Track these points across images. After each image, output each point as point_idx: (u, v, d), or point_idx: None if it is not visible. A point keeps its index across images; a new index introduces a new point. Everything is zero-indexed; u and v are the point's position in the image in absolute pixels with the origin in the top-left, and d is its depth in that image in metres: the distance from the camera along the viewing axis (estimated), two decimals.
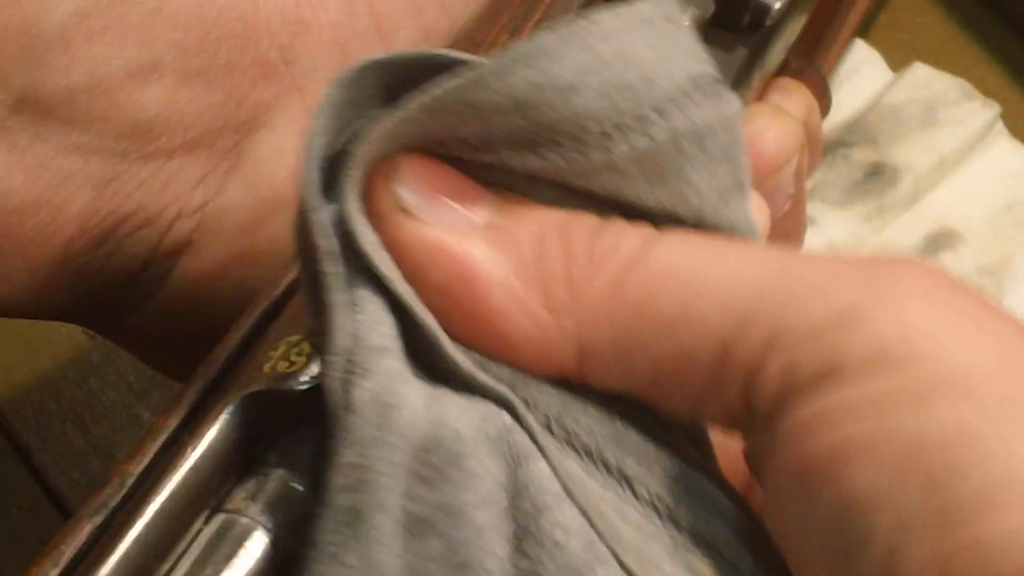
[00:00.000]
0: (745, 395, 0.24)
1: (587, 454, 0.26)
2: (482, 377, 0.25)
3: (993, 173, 0.58)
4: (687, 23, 0.27)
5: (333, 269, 0.25)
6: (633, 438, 0.26)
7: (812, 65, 0.46)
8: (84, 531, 0.27)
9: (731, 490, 0.27)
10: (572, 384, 0.26)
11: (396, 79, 0.26)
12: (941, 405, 0.22)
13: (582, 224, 0.26)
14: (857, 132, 0.58)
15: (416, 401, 0.24)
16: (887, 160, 0.57)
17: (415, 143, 0.26)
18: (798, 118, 0.37)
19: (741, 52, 0.35)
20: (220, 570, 0.26)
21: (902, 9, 0.61)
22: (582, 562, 0.24)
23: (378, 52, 0.26)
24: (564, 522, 0.24)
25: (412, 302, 0.25)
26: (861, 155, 0.57)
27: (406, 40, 0.37)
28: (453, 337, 0.26)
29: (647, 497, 0.26)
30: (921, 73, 0.59)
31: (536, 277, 0.25)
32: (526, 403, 0.25)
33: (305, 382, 0.27)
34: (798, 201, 0.37)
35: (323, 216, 0.25)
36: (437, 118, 0.25)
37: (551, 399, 0.26)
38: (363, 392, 0.24)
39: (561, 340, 0.25)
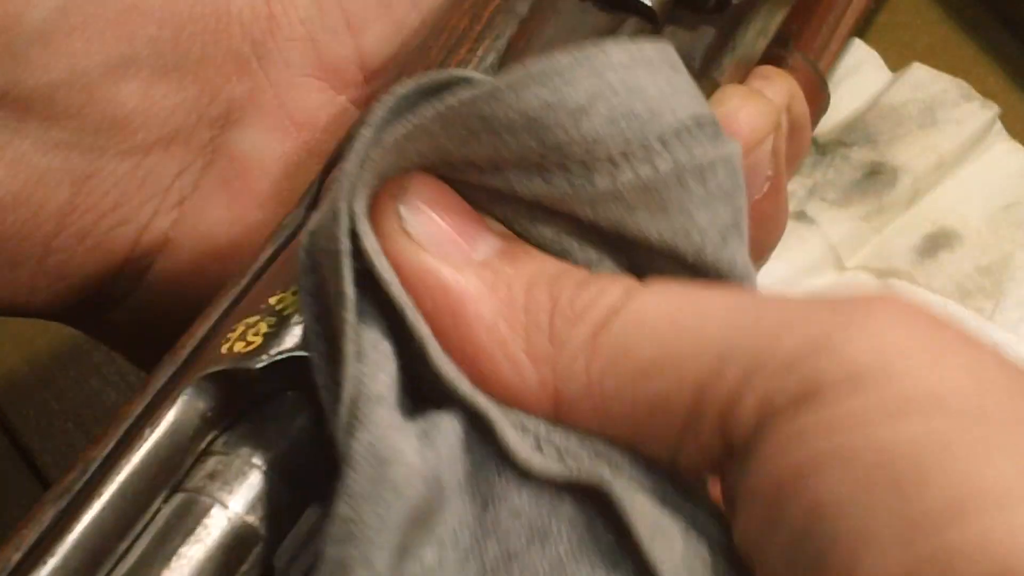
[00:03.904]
0: (722, 434, 0.24)
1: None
2: (464, 389, 0.25)
3: (992, 173, 0.58)
4: (686, 72, 0.28)
5: (351, 319, 0.25)
6: (617, 457, 0.26)
7: (809, 62, 0.46)
8: (47, 515, 0.28)
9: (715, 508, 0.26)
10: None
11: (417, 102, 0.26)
12: (913, 419, 0.22)
13: (570, 276, 0.27)
14: (856, 132, 0.58)
15: (411, 455, 0.24)
16: (886, 160, 0.57)
17: (425, 162, 0.26)
18: (775, 101, 0.37)
19: (707, 32, 0.35)
20: (178, 546, 0.26)
21: (901, 9, 0.61)
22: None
23: (398, 85, 0.26)
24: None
25: (407, 307, 0.25)
26: (860, 155, 0.57)
27: (377, 35, 0.37)
28: None
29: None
30: (920, 73, 0.59)
31: (522, 323, 0.26)
32: (513, 424, 0.26)
33: (262, 361, 0.28)
34: (777, 183, 0.37)
35: (348, 264, 0.26)
36: (449, 131, 0.26)
37: (538, 421, 0.26)
38: (359, 445, 0.24)
39: (539, 387, 0.26)
